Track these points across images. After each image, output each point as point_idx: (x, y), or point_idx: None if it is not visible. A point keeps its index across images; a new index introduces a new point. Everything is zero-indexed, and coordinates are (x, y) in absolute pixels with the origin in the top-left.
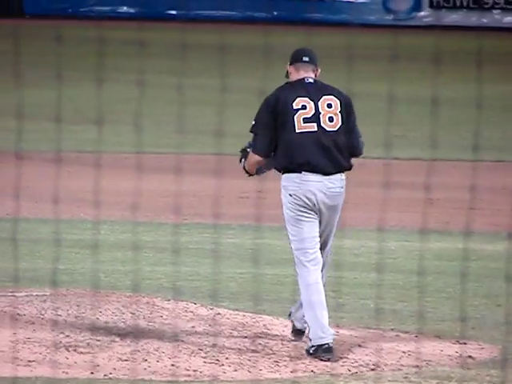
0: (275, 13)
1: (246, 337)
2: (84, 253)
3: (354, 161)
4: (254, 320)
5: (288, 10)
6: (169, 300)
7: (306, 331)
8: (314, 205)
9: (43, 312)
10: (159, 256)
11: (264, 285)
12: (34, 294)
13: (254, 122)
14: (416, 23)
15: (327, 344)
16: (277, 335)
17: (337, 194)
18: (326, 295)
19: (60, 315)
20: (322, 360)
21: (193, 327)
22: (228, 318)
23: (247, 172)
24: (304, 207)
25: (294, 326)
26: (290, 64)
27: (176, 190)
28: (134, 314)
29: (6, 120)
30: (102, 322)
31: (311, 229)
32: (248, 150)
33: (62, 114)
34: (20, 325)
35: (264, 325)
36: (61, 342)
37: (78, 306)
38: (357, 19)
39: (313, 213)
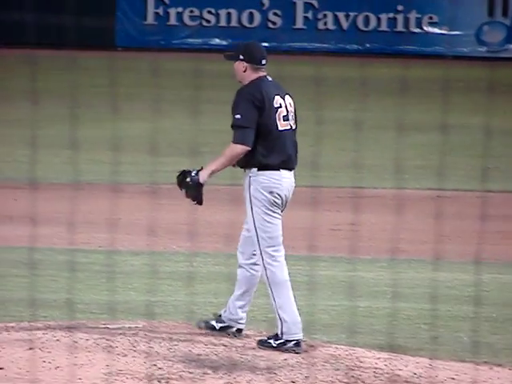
0: (368, 45)
1: (338, 369)
2: (176, 285)
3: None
4: (346, 352)
5: (381, 42)
6: (261, 332)
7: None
8: (285, 201)
9: (136, 344)
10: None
11: (357, 317)
12: (127, 326)
13: (239, 116)
14: (509, 55)
15: (300, 340)
16: (369, 367)
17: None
18: (413, 326)
19: (152, 347)
20: (294, 352)
21: (285, 359)
22: (321, 351)
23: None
24: (279, 204)
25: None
26: (248, 62)
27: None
28: (226, 346)
29: (102, 152)
30: (195, 354)
31: (281, 225)
32: (190, 170)
33: (156, 146)
34: (113, 357)
35: (357, 357)
36: (153, 374)
37: (170, 338)
38: (450, 51)
39: (281, 209)
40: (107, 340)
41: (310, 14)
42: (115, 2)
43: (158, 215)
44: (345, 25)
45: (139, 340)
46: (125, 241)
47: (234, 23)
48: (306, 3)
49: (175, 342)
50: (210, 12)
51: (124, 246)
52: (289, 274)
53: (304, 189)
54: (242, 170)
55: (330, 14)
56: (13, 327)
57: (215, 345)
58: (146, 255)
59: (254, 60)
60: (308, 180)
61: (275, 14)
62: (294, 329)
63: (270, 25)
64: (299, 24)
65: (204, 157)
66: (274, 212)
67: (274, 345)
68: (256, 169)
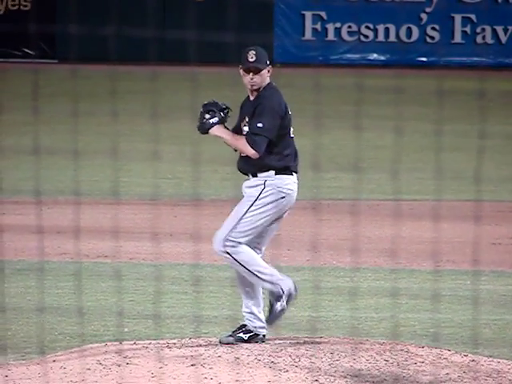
0: None
1: (501, 383)
2: (337, 300)
3: None
4: (509, 366)
5: None
6: (423, 347)
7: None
8: (290, 207)
9: (298, 359)
10: (413, 302)
11: None
12: (288, 342)
13: (261, 125)
14: None
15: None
16: None
17: None
18: None
19: (314, 363)
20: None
21: (447, 374)
22: (483, 365)
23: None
24: (286, 209)
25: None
26: (269, 64)
27: (431, 236)
28: (388, 360)
29: None
30: (357, 369)
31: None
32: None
33: (317, 162)
34: (275, 373)
35: None
36: None
37: (332, 353)
38: None
39: (283, 214)
40: (269, 356)
41: (468, 28)
42: (273, 18)
43: (318, 231)
44: (503, 39)
45: (301, 355)
46: (285, 256)
47: (392, 38)
48: (463, 17)
49: (337, 358)
50: (367, 27)
51: (284, 261)
52: (449, 288)
53: (466, 203)
54: (248, 174)
55: (488, 28)
56: (175, 344)
57: (377, 360)
58: (306, 270)
59: (270, 62)
60: (470, 194)
61: (433, 28)
62: (289, 284)
63: (429, 39)
64: (457, 38)
65: (364, 172)
66: (278, 216)
67: (284, 301)
68: (274, 172)
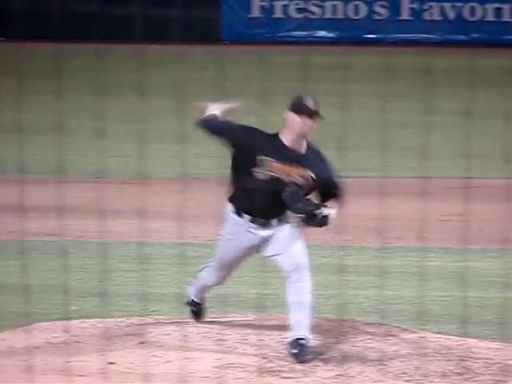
0: (474, 35)
1: (449, 360)
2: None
3: None
4: (457, 343)
5: (487, 32)
6: (372, 324)
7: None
8: None
9: (247, 337)
10: (362, 279)
11: (467, 307)
12: (238, 319)
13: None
14: None
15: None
16: (481, 358)
17: None
18: None
19: (263, 339)
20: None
21: (396, 351)
22: (431, 341)
23: None
24: None
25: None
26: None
27: (378, 213)
28: (336, 338)
29: (209, 147)
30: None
31: None
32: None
33: None
34: (224, 350)
35: (468, 347)
36: (264, 366)
37: (281, 330)
38: None
39: None
40: (217, 333)
41: (415, 5)
42: None
43: None
44: (451, 15)
45: (250, 333)
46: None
47: (339, 15)
48: None
49: (285, 335)
50: (315, 4)
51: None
52: (398, 264)
53: (413, 180)
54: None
55: (435, 5)
56: (123, 322)
57: (325, 337)
58: None
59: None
60: (417, 171)
61: (381, 5)
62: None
63: (376, 16)
64: (405, 15)
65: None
66: None
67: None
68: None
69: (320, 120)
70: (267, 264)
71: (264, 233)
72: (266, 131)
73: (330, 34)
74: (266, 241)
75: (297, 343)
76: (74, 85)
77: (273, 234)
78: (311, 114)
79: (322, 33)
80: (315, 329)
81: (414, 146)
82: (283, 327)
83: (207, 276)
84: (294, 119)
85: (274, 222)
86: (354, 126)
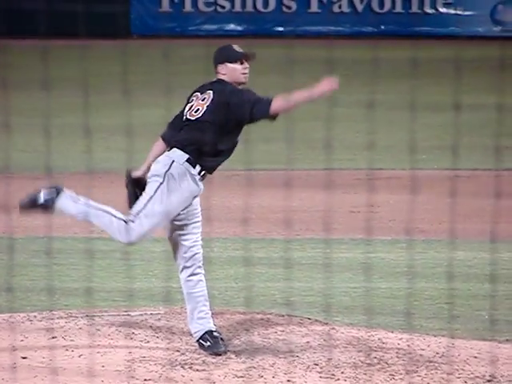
0: (382, 27)
1: (360, 351)
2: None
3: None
4: (368, 334)
5: (395, 23)
6: (283, 316)
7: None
8: None
9: (158, 331)
10: (272, 272)
11: (377, 298)
12: (149, 312)
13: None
14: None
15: None
16: (392, 348)
17: None
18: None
19: (174, 333)
20: None
21: (307, 342)
22: (342, 333)
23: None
24: None
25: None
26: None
27: (287, 205)
28: (248, 330)
29: (117, 140)
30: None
31: None
32: None
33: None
34: (135, 343)
35: (379, 338)
36: (176, 359)
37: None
38: (464, 31)
39: None
40: (130, 327)
41: None
42: None
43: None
44: (359, 7)
45: (161, 326)
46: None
47: (249, 8)
48: None
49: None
50: None
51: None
52: (309, 256)
53: (321, 172)
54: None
55: None
56: (35, 316)
57: (237, 329)
58: (166, 241)
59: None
60: (324, 163)
61: None
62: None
63: (285, 9)
64: (314, 8)
65: None
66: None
67: None
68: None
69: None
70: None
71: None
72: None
73: (239, 28)
74: None
75: (210, 335)
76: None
77: None
78: (247, 56)
79: (231, 26)
80: (226, 321)
81: (321, 138)
82: None
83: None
84: (234, 68)
85: None
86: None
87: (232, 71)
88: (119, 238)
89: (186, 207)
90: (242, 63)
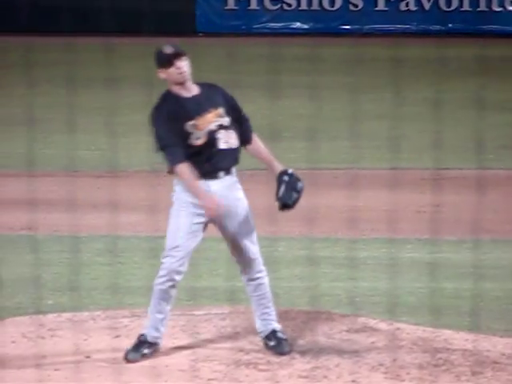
0: (450, 25)
1: (426, 351)
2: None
3: None
4: (434, 334)
5: (462, 22)
6: (348, 316)
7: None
8: None
9: (222, 330)
10: (337, 271)
11: (443, 298)
12: (213, 312)
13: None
14: None
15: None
16: (457, 349)
17: None
18: None
19: (239, 332)
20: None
21: (372, 343)
22: (408, 333)
23: None
24: None
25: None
26: None
27: (352, 204)
28: (312, 330)
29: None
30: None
31: None
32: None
33: None
34: (199, 343)
35: (444, 339)
36: (240, 359)
37: (256, 323)
38: None
39: None
40: (194, 326)
41: None
42: None
43: None
44: (427, 5)
45: (225, 325)
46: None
47: (315, 6)
48: None
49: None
50: None
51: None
52: (374, 256)
53: (387, 171)
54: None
55: None
56: (99, 315)
57: (302, 329)
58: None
59: None
60: (390, 162)
61: None
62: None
63: (352, 7)
64: (381, 6)
65: (286, 141)
66: None
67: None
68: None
69: (186, 55)
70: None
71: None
72: (166, 103)
73: (305, 26)
74: None
75: (274, 335)
76: (44, 78)
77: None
78: (175, 56)
79: (297, 24)
80: (291, 321)
81: (387, 137)
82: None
83: None
84: (169, 73)
85: (221, 175)
86: (327, 118)
87: (169, 75)
88: None
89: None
90: (172, 64)
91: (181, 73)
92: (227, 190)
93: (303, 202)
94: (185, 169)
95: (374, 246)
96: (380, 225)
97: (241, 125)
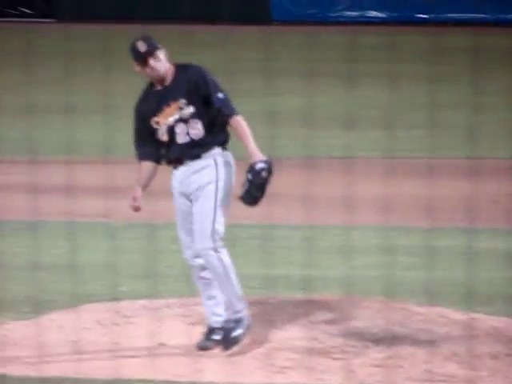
0: None
1: (501, 341)
2: (336, 258)
3: None
4: (509, 324)
5: None
6: (422, 305)
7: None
8: None
9: (296, 318)
10: (412, 261)
11: None
12: (287, 300)
13: (222, 95)
14: None
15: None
16: None
17: None
18: None
19: (312, 321)
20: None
21: (447, 332)
22: (482, 323)
23: None
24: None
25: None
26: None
27: (428, 193)
28: (387, 319)
29: (258, 126)
30: (355, 327)
31: None
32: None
33: (313, 120)
34: (273, 331)
35: None
36: (314, 348)
37: (330, 311)
38: None
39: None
40: (268, 314)
41: None
42: None
43: (315, 189)
44: None
45: (299, 314)
46: (284, 214)
47: None
48: None
49: (335, 316)
50: None
51: (282, 220)
52: (450, 245)
53: (463, 160)
54: (185, 161)
55: None
56: (174, 303)
57: (375, 318)
58: (305, 229)
59: None
60: (467, 151)
61: None
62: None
63: None
64: None
65: (362, 130)
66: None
67: (232, 325)
68: (220, 148)
69: (160, 49)
70: (315, 244)
71: (183, 176)
72: (140, 100)
73: (381, 14)
74: None
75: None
76: (120, 65)
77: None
78: (149, 53)
79: (373, 13)
80: (366, 310)
81: (465, 125)
82: (333, 308)
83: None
84: (142, 68)
85: (188, 162)
86: (403, 107)
87: (143, 71)
88: None
89: None
90: (146, 63)
91: (154, 73)
92: (184, 177)
93: (379, 190)
94: (140, 167)
95: (450, 236)
96: (456, 214)
97: (212, 108)
